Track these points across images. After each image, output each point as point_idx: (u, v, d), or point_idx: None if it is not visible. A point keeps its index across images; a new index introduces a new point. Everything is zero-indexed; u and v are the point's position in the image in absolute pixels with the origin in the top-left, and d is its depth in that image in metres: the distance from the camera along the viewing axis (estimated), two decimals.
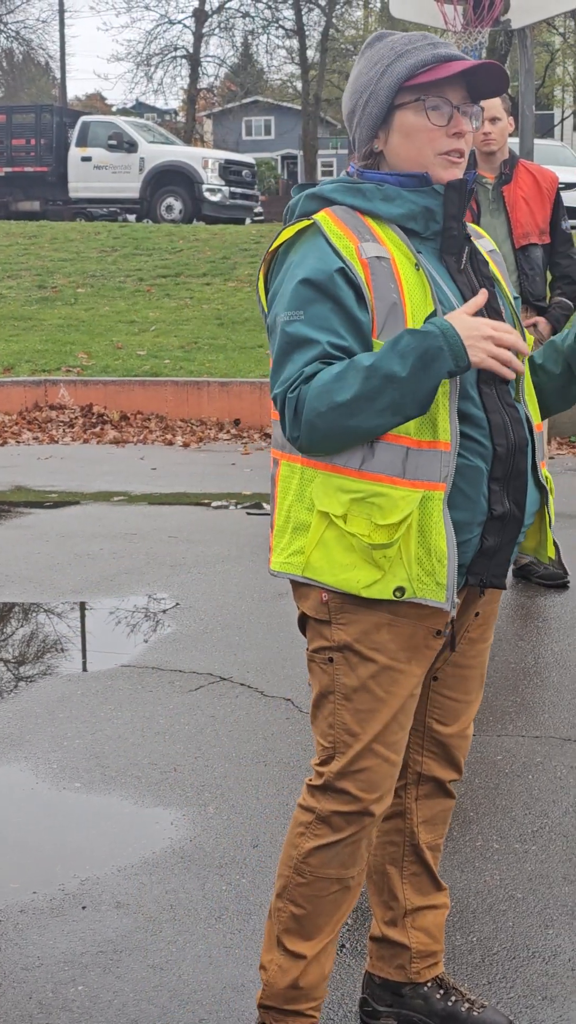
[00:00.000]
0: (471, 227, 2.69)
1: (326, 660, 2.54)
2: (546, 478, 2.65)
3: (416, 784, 2.78)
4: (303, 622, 2.62)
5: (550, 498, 2.67)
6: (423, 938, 2.82)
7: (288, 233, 2.48)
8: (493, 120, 6.00)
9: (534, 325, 6.12)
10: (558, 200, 6.15)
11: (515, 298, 2.71)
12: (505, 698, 4.93)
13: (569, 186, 21.24)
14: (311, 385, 2.35)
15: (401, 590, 2.43)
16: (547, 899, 3.44)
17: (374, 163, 2.54)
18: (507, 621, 5.93)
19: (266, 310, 2.55)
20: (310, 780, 2.61)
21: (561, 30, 39.43)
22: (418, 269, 2.44)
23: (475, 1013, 2.81)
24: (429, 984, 2.84)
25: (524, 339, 2.61)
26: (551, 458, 10.10)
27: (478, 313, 2.46)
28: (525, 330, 2.71)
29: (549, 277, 6.30)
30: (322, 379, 2.35)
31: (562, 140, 40.71)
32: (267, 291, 2.56)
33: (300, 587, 2.57)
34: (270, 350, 2.49)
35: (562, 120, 45.79)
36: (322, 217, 2.46)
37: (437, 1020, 2.81)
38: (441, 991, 2.84)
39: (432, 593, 2.44)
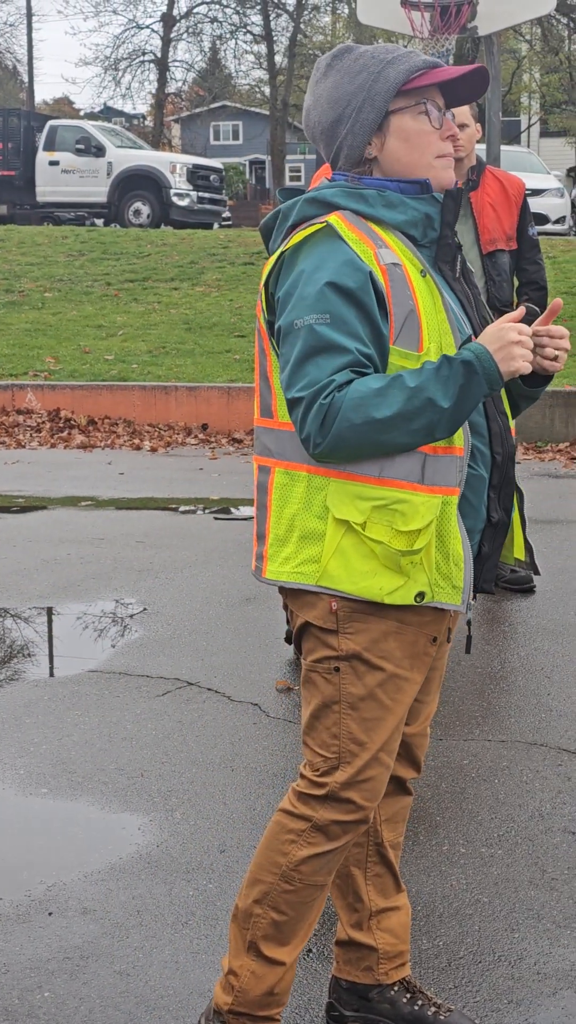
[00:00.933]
0: None
1: (331, 670, 2.53)
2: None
3: None
4: (302, 632, 2.58)
5: (521, 500, 2.71)
6: (389, 939, 2.83)
7: (299, 237, 2.45)
8: (461, 126, 6.02)
9: None
10: (525, 207, 6.19)
11: None
12: (472, 703, 4.94)
13: (535, 192, 21.36)
14: (347, 395, 2.33)
15: (421, 595, 2.46)
16: (513, 903, 3.46)
17: (366, 170, 2.54)
18: (473, 626, 5.94)
19: (267, 315, 2.52)
20: (301, 788, 2.59)
21: (528, 37, 39.61)
22: (425, 276, 2.46)
23: (441, 1017, 2.82)
24: (396, 987, 2.84)
25: None
26: (517, 463, 10.13)
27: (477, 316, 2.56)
28: None
29: (516, 283, 6.33)
30: (360, 391, 2.33)
31: (528, 147, 40.91)
32: (268, 296, 2.51)
33: (304, 596, 2.53)
34: (278, 353, 2.47)
35: (528, 127, 46.00)
36: (335, 220, 2.44)
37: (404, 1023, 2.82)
38: (408, 995, 2.85)
39: (448, 596, 2.48)
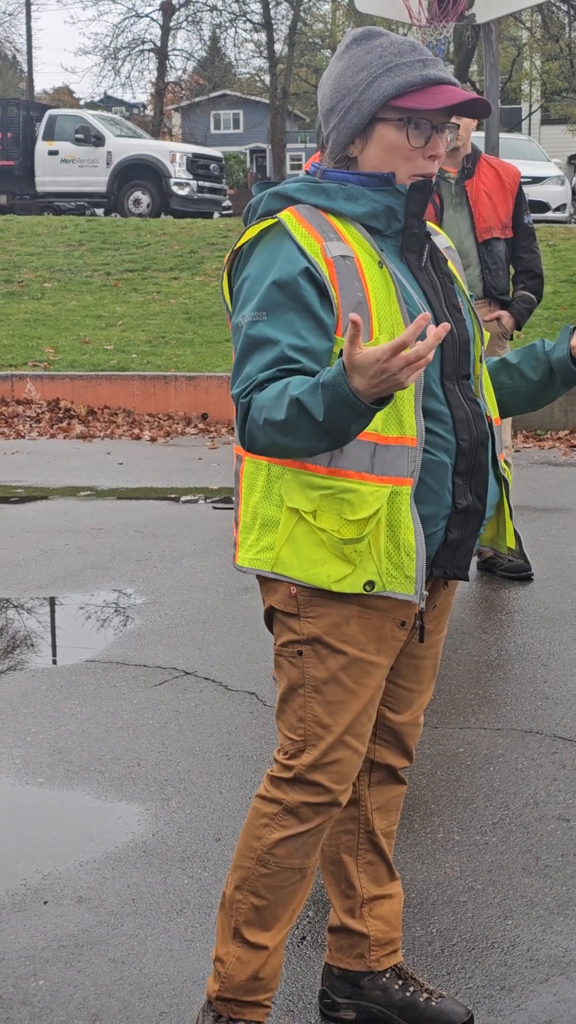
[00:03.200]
0: (429, 226, 2.70)
1: (295, 653, 2.57)
2: (504, 470, 2.68)
3: (369, 772, 2.81)
4: (270, 616, 2.63)
5: (507, 489, 2.71)
6: (381, 926, 2.85)
7: (253, 232, 2.48)
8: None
9: (497, 319, 6.14)
10: (520, 194, 6.19)
11: (469, 296, 2.74)
12: (468, 691, 4.95)
13: (535, 180, 21.33)
14: (260, 395, 2.36)
15: (371, 584, 2.46)
16: (506, 890, 3.47)
17: (346, 167, 2.54)
18: (471, 614, 5.96)
19: (230, 308, 2.55)
20: (273, 772, 2.63)
21: (528, 24, 39.51)
22: (382, 267, 2.46)
23: (433, 1003, 2.83)
24: (388, 974, 2.86)
25: (480, 331, 2.65)
26: (517, 451, 10.14)
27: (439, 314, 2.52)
28: (482, 325, 2.72)
29: (512, 271, 6.33)
30: (267, 394, 2.34)
31: (529, 135, 40.83)
32: (231, 288, 2.55)
33: (268, 582, 2.58)
34: (233, 348, 2.50)
35: (530, 114, 45.92)
36: (286, 216, 2.46)
37: (396, 1010, 2.84)
38: (400, 981, 2.86)
39: (401, 586, 2.48)
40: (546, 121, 47.10)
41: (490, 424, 2.61)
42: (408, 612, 2.57)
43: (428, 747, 4.38)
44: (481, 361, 2.64)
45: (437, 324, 2.50)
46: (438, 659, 2.82)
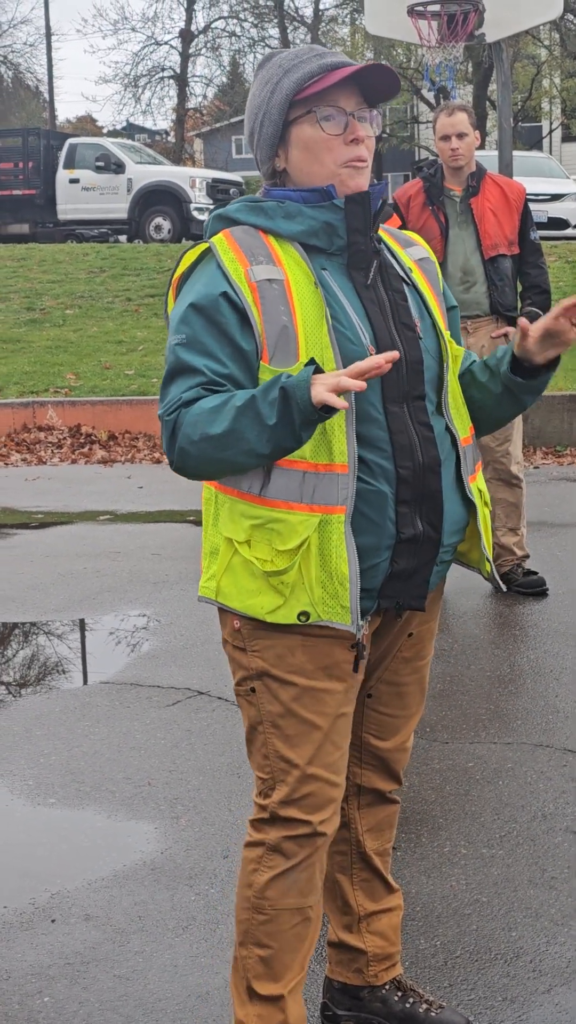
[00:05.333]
0: (403, 235, 2.68)
1: (249, 691, 2.53)
2: (480, 491, 2.62)
3: (357, 795, 2.79)
4: (224, 648, 2.59)
5: (485, 511, 2.63)
6: (379, 942, 2.85)
7: (190, 257, 2.48)
8: (460, 136, 6.08)
9: (505, 335, 6.17)
10: (526, 211, 6.22)
11: (451, 308, 2.69)
12: (479, 706, 4.96)
13: (555, 197, 21.36)
14: (189, 412, 2.36)
15: (305, 614, 2.41)
16: (511, 902, 3.48)
17: (280, 181, 2.53)
18: (484, 629, 5.97)
19: None
20: (252, 815, 2.59)
21: (547, 43, 39.56)
22: (317, 287, 2.42)
23: (433, 1014, 2.84)
24: (387, 986, 2.87)
25: (444, 349, 2.56)
26: (535, 467, 10.15)
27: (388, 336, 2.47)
28: (444, 343, 2.59)
29: (520, 287, 6.36)
30: (200, 408, 2.34)
31: (550, 152, 40.86)
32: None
33: (221, 612, 2.56)
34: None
35: (550, 132, 45.94)
36: (218, 239, 2.46)
37: (396, 1021, 2.85)
38: (399, 993, 2.87)
39: (338, 616, 2.41)
40: (567, 139, 47.07)
41: (455, 444, 2.55)
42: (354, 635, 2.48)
43: (437, 762, 4.40)
44: (442, 381, 2.55)
45: (378, 345, 2.45)
46: (424, 684, 2.77)
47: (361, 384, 2.22)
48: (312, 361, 2.30)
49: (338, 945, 2.88)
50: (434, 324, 2.58)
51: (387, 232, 2.66)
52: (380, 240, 2.57)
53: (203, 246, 2.47)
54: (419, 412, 2.49)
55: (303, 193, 2.48)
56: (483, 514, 2.63)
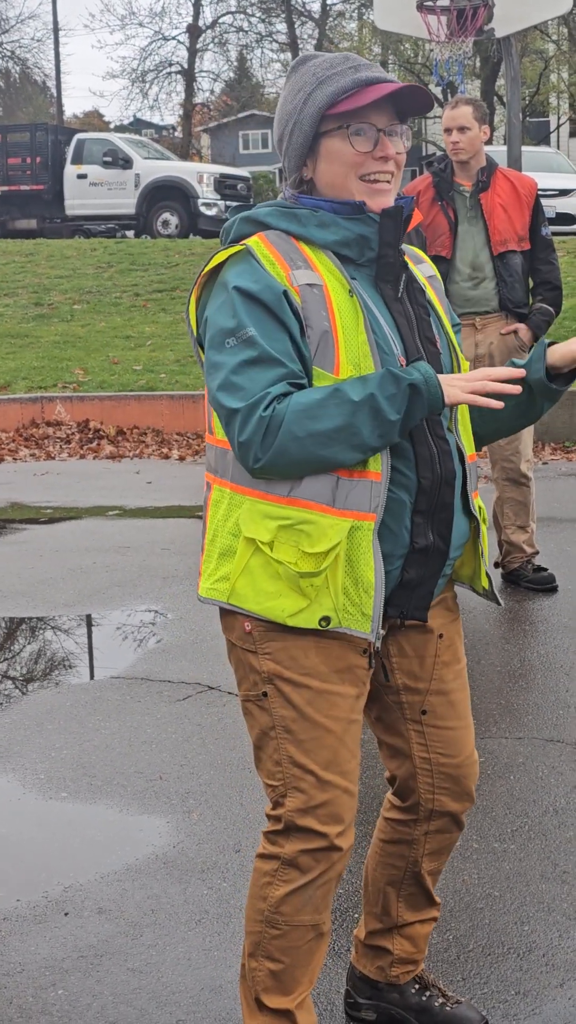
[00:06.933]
0: (412, 251, 2.67)
1: (260, 696, 2.50)
2: (479, 508, 2.62)
3: (428, 820, 2.74)
4: (231, 655, 2.58)
5: (483, 528, 2.63)
6: (407, 947, 2.86)
7: (221, 257, 2.45)
8: (462, 129, 6.07)
9: (515, 332, 6.17)
10: (537, 206, 6.20)
11: (455, 325, 2.68)
12: (490, 701, 4.97)
13: (563, 192, 21.32)
14: (288, 407, 2.31)
15: (327, 620, 2.41)
16: (524, 896, 3.49)
17: (305, 190, 2.53)
18: (494, 624, 5.97)
19: (195, 332, 2.52)
20: (267, 828, 2.56)
21: (555, 37, 39.52)
22: (351, 296, 2.42)
23: (448, 1008, 2.85)
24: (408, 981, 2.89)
25: (458, 366, 2.59)
26: (544, 463, 10.15)
27: (411, 338, 2.50)
28: (459, 359, 2.63)
29: (531, 284, 6.35)
30: (301, 403, 2.31)
31: (558, 147, 40.80)
32: (198, 313, 2.51)
33: (226, 615, 2.53)
34: (202, 365, 2.47)
35: (558, 127, 45.89)
36: (254, 242, 2.44)
37: (412, 1014, 2.86)
38: (416, 985, 2.89)
39: (358, 624, 2.42)
40: (575, 134, 47.03)
41: (463, 460, 2.55)
42: (368, 641, 2.48)
43: None
44: None
45: (408, 357, 2.46)
46: (467, 691, 2.74)
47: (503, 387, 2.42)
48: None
49: (367, 941, 2.88)
50: (448, 341, 2.60)
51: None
52: (403, 253, 2.57)
53: (236, 248, 2.44)
54: (436, 426, 2.49)
55: (334, 204, 2.47)
56: (483, 531, 2.64)
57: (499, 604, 2.71)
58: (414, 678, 2.65)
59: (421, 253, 2.73)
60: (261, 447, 2.33)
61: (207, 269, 2.48)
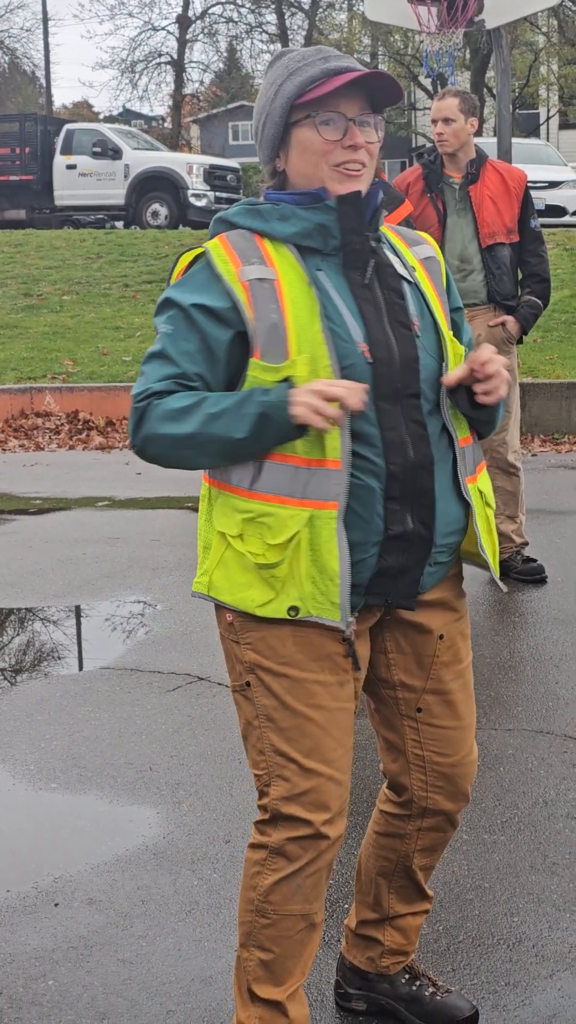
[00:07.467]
0: (410, 233, 2.67)
1: (244, 686, 2.53)
2: (480, 492, 2.60)
3: (421, 817, 2.75)
4: (222, 644, 2.60)
5: (487, 512, 2.61)
6: (398, 938, 2.87)
7: (186, 259, 2.52)
8: (447, 120, 6.07)
9: (503, 324, 6.17)
10: (527, 198, 6.20)
11: (456, 309, 2.67)
12: (479, 692, 4.96)
13: (552, 184, 21.34)
14: (158, 406, 2.41)
15: (295, 609, 2.42)
16: (514, 888, 3.49)
17: (279, 182, 2.56)
18: (484, 616, 5.98)
19: None
20: (256, 818, 2.58)
21: (545, 29, 39.49)
22: (310, 287, 2.44)
23: (438, 997, 2.86)
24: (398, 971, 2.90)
25: (443, 349, 2.54)
26: (533, 455, 10.15)
27: (383, 326, 2.48)
28: (444, 343, 2.57)
29: (520, 276, 6.34)
30: (170, 404, 2.40)
31: (547, 139, 40.79)
32: None
33: (217, 607, 2.56)
34: None
35: (547, 119, 45.88)
36: (213, 244, 2.50)
37: (402, 1003, 2.87)
38: (407, 975, 2.90)
39: (327, 612, 2.42)
40: (564, 126, 47.01)
41: (452, 444, 2.54)
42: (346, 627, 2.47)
43: None
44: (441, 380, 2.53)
45: (371, 343, 2.45)
46: (470, 690, 2.72)
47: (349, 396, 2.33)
48: (287, 380, 2.37)
49: (357, 931, 2.89)
50: (435, 323, 2.56)
51: (395, 231, 2.67)
52: (380, 239, 2.57)
53: (199, 250, 2.51)
54: (412, 410, 2.48)
55: (295, 196, 2.50)
56: (484, 515, 2.61)
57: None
58: (411, 675, 2.65)
59: (423, 234, 2.71)
60: (134, 434, 2.45)
61: (175, 273, 2.54)
